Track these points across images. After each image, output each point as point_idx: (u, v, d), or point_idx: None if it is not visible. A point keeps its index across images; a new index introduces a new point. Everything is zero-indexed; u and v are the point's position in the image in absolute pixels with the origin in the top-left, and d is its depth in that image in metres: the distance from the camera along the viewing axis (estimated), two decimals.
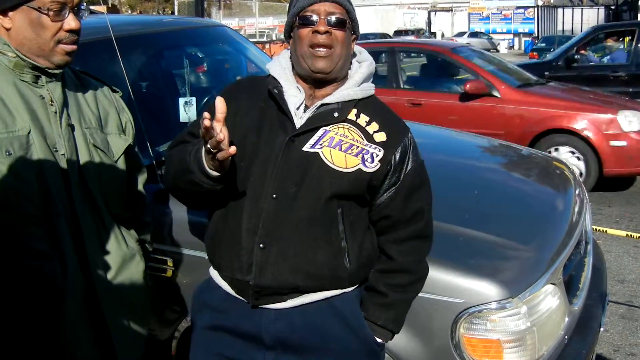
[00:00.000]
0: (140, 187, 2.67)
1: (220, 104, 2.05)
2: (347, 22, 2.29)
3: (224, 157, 2.06)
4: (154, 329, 3.19)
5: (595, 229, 5.77)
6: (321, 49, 2.26)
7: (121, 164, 2.49)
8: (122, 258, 2.44)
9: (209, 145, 2.05)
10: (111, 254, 2.41)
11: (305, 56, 2.29)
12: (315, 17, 2.26)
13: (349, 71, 2.41)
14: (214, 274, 2.47)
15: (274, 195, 2.25)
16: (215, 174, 2.16)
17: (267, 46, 25.97)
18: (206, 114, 1.99)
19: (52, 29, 2.19)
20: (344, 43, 2.29)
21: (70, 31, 2.21)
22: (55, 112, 2.25)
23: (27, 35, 2.19)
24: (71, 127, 2.31)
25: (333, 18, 2.26)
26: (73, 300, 2.24)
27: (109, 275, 2.39)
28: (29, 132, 2.17)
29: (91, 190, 2.34)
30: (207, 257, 2.48)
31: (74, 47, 2.25)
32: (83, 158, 2.33)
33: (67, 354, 2.27)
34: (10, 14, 2.19)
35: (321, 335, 2.32)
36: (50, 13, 2.17)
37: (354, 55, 2.45)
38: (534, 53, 28.40)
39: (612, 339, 4.88)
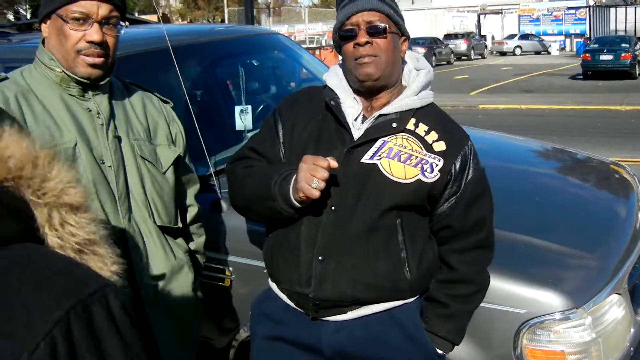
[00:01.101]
0: (191, 198, 2.67)
1: (333, 163, 2.12)
2: (389, 27, 2.25)
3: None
4: (212, 337, 3.21)
5: None
6: (365, 58, 2.24)
7: (170, 175, 2.49)
8: (170, 270, 2.44)
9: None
10: (158, 266, 2.40)
11: (352, 69, 2.29)
12: (355, 30, 2.24)
13: (407, 78, 2.38)
14: (273, 284, 2.47)
15: (333, 208, 2.24)
16: (299, 205, 2.19)
17: (317, 52, 26.03)
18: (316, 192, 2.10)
19: (73, 39, 2.20)
20: (388, 49, 2.25)
21: (91, 42, 2.20)
22: (102, 125, 2.27)
23: (54, 44, 2.24)
24: (118, 139, 2.32)
25: (373, 27, 2.23)
26: None
27: (156, 287, 2.39)
28: (76, 145, 2.20)
29: (137, 201, 2.34)
30: (264, 266, 2.48)
31: (98, 60, 2.22)
32: (130, 169, 2.34)
33: None
34: (48, 22, 2.25)
35: (381, 346, 2.31)
36: (71, 21, 2.18)
37: (403, 62, 2.41)
38: (587, 54, 27.95)
39: None
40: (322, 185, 2.10)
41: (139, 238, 2.34)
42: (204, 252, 2.74)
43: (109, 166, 2.27)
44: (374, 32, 2.23)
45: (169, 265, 2.43)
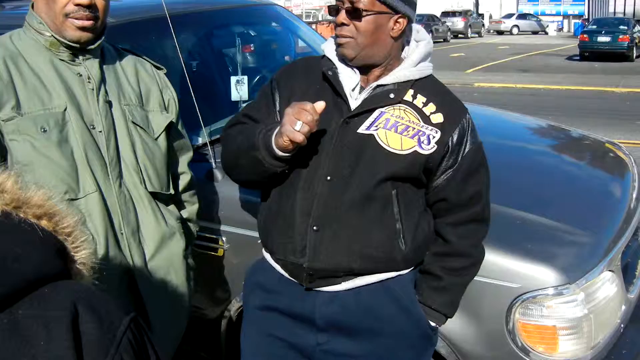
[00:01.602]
0: (183, 165, 2.65)
1: (320, 105, 2.10)
2: (372, 7, 2.17)
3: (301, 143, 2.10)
4: (204, 307, 3.21)
5: None
6: (341, 38, 2.22)
7: (162, 142, 2.47)
8: (161, 236, 2.42)
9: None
10: (149, 232, 2.39)
11: (337, 45, 2.28)
12: (338, 7, 2.22)
13: (407, 51, 2.36)
14: (267, 255, 2.46)
15: (328, 178, 2.23)
16: (282, 154, 2.15)
17: (313, 26, 25.88)
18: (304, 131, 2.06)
19: (60, 2, 2.17)
20: (366, 31, 2.19)
21: (79, 5, 2.17)
22: (93, 89, 2.25)
23: (42, 8, 2.21)
24: (109, 104, 2.30)
25: (350, 8, 2.18)
26: (108, 277, 2.21)
27: (147, 253, 2.38)
28: (65, 109, 2.18)
29: (128, 167, 2.33)
30: (258, 237, 2.47)
31: (87, 22, 2.19)
32: (121, 135, 2.32)
33: None
34: None
35: (375, 317, 2.31)
36: None
37: (395, 38, 2.30)
38: (585, 36, 27.89)
39: None
40: (307, 129, 2.06)
41: (130, 204, 2.33)
42: (196, 220, 2.73)
43: (100, 131, 2.25)
44: (351, 13, 2.18)
45: (160, 231, 2.42)
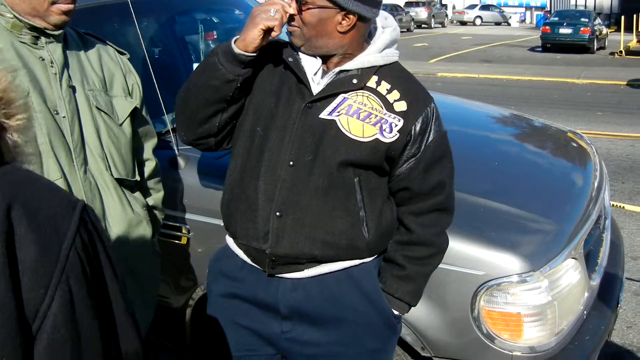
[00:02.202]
0: (148, 151, 2.62)
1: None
2: (311, 4, 2.14)
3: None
4: (168, 296, 3.17)
5: (613, 205, 5.71)
6: (290, 27, 2.22)
7: (126, 127, 2.43)
8: (127, 223, 2.39)
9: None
10: (115, 220, 2.35)
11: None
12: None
13: (374, 35, 2.33)
14: (229, 241, 2.43)
15: (291, 163, 2.21)
16: (240, 52, 2.16)
17: None
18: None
19: None
20: (309, 24, 2.17)
21: None
22: (55, 74, 2.20)
23: None
24: (72, 89, 2.26)
25: (297, 0, 2.17)
26: None
27: (114, 241, 2.34)
28: (28, 94, 2.12)
29: (93, 153, 2.29)
30: (222, 225, 2.45)
31: (71, 6, 2.17)
32: (85, 120, 2.28)
33: None
34: None
35: (338, 305, 2.30)
36: None
37: (344, 33, 2.24)
38: (547, 27, 28.19)
39: (625, 316, 4.84)
40: (279, 16, 2.11)
41: (96, 191, 2.29)
42: (162, 208, 2.69)
43: (63, 117, 2.21)
44: (298, 4, 2.16)
45: (127, 219, 2.39)
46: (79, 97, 2.27)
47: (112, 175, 2.34)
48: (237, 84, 2.21)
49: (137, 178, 2.49)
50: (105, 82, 2.41)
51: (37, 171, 2.11)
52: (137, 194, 2.50)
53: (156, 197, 2.65)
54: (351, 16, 2.17)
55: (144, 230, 2.47)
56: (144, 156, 2.58)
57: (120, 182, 2.38)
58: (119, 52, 2.55)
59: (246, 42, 2.14)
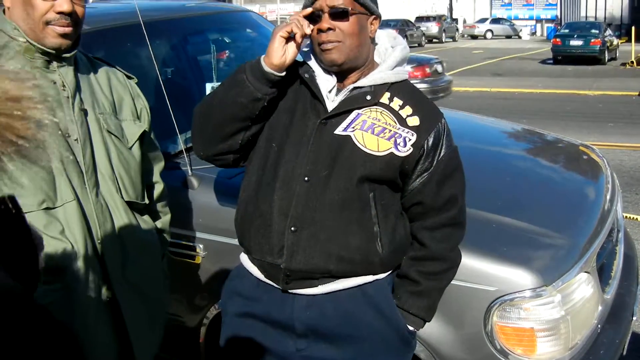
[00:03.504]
0: (156, 175, 2.63)
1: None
2: (353, 9, 2.22)
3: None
4: (183, 315, 3.19)
5: (626, 217, 5.68)
6: (327, 45, 2.23)
7: (136, 151, 2.45)
8: (137, 246, 2.40)
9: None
10: (125, 242, 2.36)
11: (317, 53, 2.30)
12: (319, 14, 2.23)
13: (383, 55, 2.38)
14: (244, 259, 2.45)
15: (306, 178, 2.24)
16: (271, 71, 2.20)
17: None
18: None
19: (41, 9, 2.14)
20: (353, 33, 2.23)
21: (61, 13, 2.14)
22: (68, 97, 2.22)
23: (20, 15, 2.17)
24: (84, 112, 2.27)
25: (335, 11, 2.21)
26: (86, 286, 2.20)
27: (124, 263, 2.35)
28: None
29: (104, 176, 2.30)
30: (236, 244, 2.47)
31: (67, 29, 2.17)
32: (96, 143, 2.29)
33: (85, 345, 2.22)
34: None
35: (353, 322, 2.31)
36: None
37: (374, 41, 2.38)
38: (557, 40, 28.16)
39: None
40: (295, 24, 2.19)
41: (107, 213, 2.30)
42: (169, 230, 2.71)
43: (75, 139, 2.22)
44: (336, 15, 2.21)
45: (136, 242, 2.40)
46: (90, 121, 2.29)
47: (122, 197, 2.36)
48: (264, 103, 2.25)
49: (147, 201, 2.51)
50: (115, 106, 2.43)
51: (50, 193, 2.14)
52: (146, 217, 2.52)
53: (164, 220, 2.67)
54: (375, 21, 2.30)
55: (153, 252, 2.50)
56: (152, 179, 2.60)
57: (130, 204, 2.40)
58: (127, 76, 2.57)
59: (271, 56, 2.19)
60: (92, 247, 2.24)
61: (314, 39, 2.27)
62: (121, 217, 2.35)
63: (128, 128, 2.44)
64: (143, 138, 2.50)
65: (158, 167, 2.64)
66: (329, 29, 2.21)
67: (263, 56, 2.22)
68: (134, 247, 2.38)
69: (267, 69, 2.20)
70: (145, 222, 2.49)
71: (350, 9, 2.21)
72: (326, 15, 2.21)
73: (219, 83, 3.72)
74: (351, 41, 2.23)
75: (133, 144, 2.44)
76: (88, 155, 2.25)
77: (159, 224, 2.62)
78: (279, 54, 2.19)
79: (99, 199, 2.27)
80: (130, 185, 2.39)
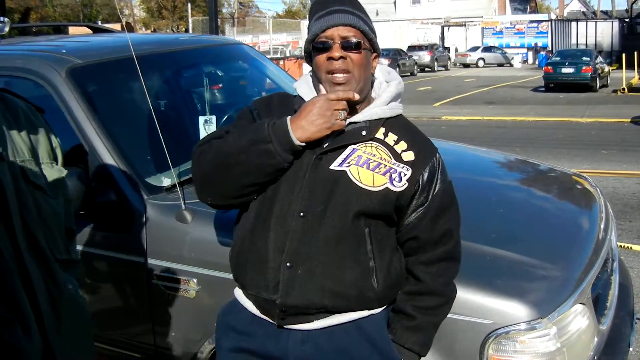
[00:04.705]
0: (71, 220, 2.22)
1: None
2: (364, 43, 2.26)
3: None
4: (176, 350, 3.17)
5: (620, 246, 5.67)
6: (339, 75, 2.24)
7: (61, 202, 2.08)
8: (66, 306, 2.02)
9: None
10: (57, 305, 1.98)
11: (324, 82, 2.29)
12: (329, 43, 2.24)
13: (378, 90, 2.39)
14: (238, 294, 2.44)
15: (302, 214, 2.23)
16: (300, 144, 2.21)
17: (281, 62, 26.07)
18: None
19: None
20: (361, 65, 2.26)
21: None
22: None
23: None
24: (6, 162, 1.87)
25: (347, 42, 2.23)
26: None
27: (58, 328, 1.97)
28: None
29: (35, 236, 1.91)
30: (230, 278, 2.46)
31: None
32: (20, 197, 1.88)
33: None
34: None
35: (348, 358, 2.30)
36: None
37: (372, 76, 2.41)
38: (549, 67, 28.35)
39: (637, 359, 4.80)
40: (344, 115, 2.23)
41: (40, 277, 1.93)
42: (79, 278, 2.25)
43: None
44: (348, 47, 2.23)
45: (65, 300, 2.03)
46: (11, 172, 1.88)
47: (54, 258, 2.00)
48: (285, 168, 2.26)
49: (71, 255, 2.15)
50: (33, 149, 2.04)
51: None
52: (66, 271, 2.09)
53: (78, 269, 2.23)
54: (376, 59, 2.36)
55: (77, 306, 2.12)
56: (68, 225, 2.18)
57: (54, 260, 2.00)
58: (37, 108, 2.15)
59: (309, 136, 2.20)
60: (36, 319, 1.90)
61: (322, 66, 2.27)
62: (52, 278, 1.99)
63: (49, 174, 2.06)
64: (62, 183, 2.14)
65: (72, 210, 2.26)
66: (341, 57, 2.22)
67: (290, 125, 2.20)
68: (64, 308, 2.02)
69: (297, 142, 2.20)
70: (66, 277, 2.09)
71: (362, 42, 2.25)
72: (337, 45, 2.23)
73: (212, 116, 3.76)
74: (359, 73, 2.25)
75: (57, 194, 2.07)
76: (17, 216, 1.86)
77: (73, 274, 2.17)
78: (316, 132, 2.20)
79: (32, 263, 1.91)
80: (58, 241, 2.05)
